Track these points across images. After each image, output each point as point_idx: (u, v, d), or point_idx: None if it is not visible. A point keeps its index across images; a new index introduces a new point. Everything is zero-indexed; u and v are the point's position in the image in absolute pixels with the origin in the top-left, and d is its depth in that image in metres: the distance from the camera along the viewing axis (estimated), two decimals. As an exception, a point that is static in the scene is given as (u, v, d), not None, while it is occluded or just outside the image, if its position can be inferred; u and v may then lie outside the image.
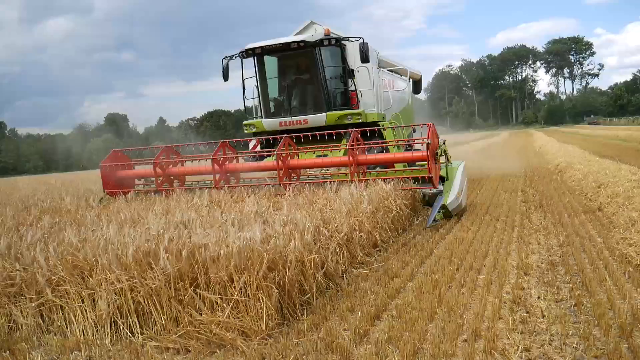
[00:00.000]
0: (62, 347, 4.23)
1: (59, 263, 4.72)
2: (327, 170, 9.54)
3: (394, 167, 9.59)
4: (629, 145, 26.82)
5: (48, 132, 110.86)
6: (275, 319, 4.16)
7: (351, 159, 8.55)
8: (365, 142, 9.31)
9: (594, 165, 13.50)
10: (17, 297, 4.90)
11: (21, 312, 4.75)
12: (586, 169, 13.12)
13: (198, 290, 4.18)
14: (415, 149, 11.20)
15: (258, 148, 11.45)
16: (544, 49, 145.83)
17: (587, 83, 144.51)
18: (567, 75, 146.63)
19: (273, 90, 11.52)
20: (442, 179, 8.99)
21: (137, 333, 4.28)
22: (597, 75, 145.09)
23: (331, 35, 10.76)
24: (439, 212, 8.42)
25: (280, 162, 8.88)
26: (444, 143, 9.32)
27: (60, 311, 4.67)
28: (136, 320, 4.34)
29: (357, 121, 10.57)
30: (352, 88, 11.07)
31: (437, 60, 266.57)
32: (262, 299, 4.08)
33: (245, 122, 11.81)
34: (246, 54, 10.88)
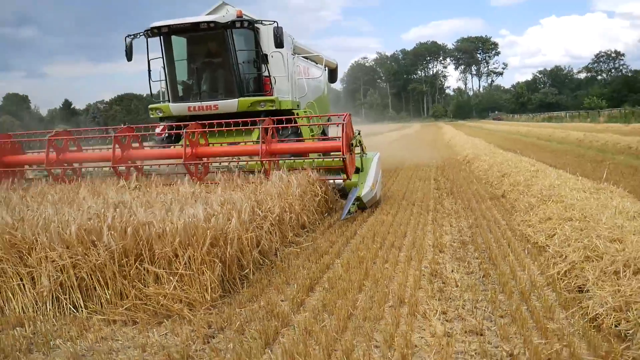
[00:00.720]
0: (4, 324, 4.28)
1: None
2: (239, 159, 9.03)
3: (308, 157, 9.12)
4: (528, 140, 28.99)
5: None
6: (218, 291, 4.44)
7: (263, 148, 8.17)
8: (281, 126, 9.11)
9: (498, 157, 14.67)
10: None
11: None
12: (491, 160, 14.23)
13: (143, 265, 4.37)
14: (330, 138, 11.32)
15: (165, 135, 10.77)
16: (453, 47, 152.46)
17: (492, 81, 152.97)
18: (474, 72, 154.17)
19: (181, 73, 10.91)
20: (357, 170, 8.88)
21: (81, 308, 4.40)
22: (501, 73, 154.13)
23: (244, 17, 10.23)
24: (353, 204, 8.26)
25: (188, 150, 8.41)
26: (358, 133, 9.20)
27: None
28: (79, 296, 4.45)
29: (271, 108, 10.20)
30: (266, 74, 10.64)
31: (352, 51, 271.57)
32: (206, 272, 4.35)
33: (151, 105, 11.15)
34: (151, 32, 10.19)
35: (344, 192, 8.87)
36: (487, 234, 6.79)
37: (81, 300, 4.46)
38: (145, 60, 10.71)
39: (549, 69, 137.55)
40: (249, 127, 8.90)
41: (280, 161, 8.64)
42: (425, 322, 3.95)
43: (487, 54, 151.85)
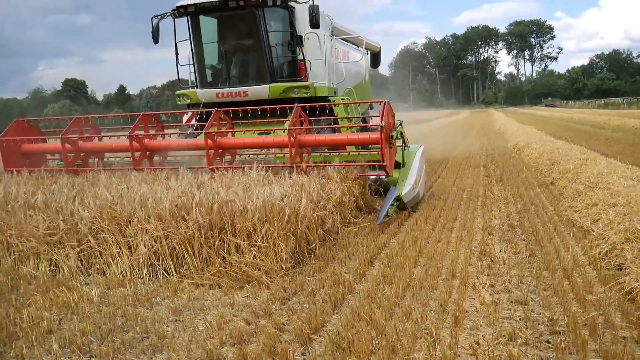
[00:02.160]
0: (108, 284, 5.04)
1: (99, 215, 5.49)
2: (268, 150, 8.49)
3: (345, 149, 8.40)
4: (581, 127, 28.52)
5: (2, 96, 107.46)
6: (290, 262, 5.06)
7: (292, 140, 7.35)
8: (314, 118, 8.41)
9: (548, 145, 14.79)
10: (56, 245, 5.65)
11: (64, 257, 5.51)
12: (542, 148, 14.37)
13: (227, 237, 5.03)
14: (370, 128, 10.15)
15: (193, 122, 10.08)
16: (506, 31, 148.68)
17: (546, 66, 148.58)
18: (527, 57, 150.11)
19: (211, 57, 10.20)
20: (398, 165, 7.97)
21: (173, 273, 5.11)
22: (555, 58, 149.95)
23: None
24: (392, 204, 7.32)
25: (209, 141, 7.73)
26: (400, 124, 8.18)
27: (99, 256, 5.45)
28: (171, 263, 5.16)
29: (305, 95, 9.46)
30: (301, 57, 9.82)
31: (401, 36, 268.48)
32: (281, 245, 4.97)
33: (178, 92, 10.64)
34: (178, 12, 9.54)
35: (387, 188, 7.99)
36: (535, 218, 7.17)
37: (172, 266, 5.16)
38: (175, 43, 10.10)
39: (606, 53, 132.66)
40: (277, 117, 8.40)
41: (312, 154, 7.99)
42: (475, 293, 4.45)
43: (542, 38, 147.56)
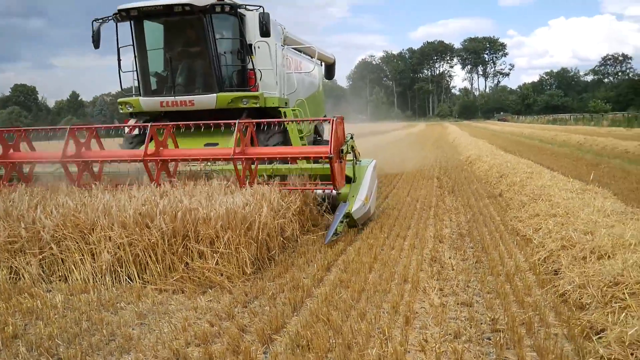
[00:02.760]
0: (71, 291, 5.12)
1: (62, 223, 5.56)
2: (214, 163, 7.81)
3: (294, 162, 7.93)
4: (530, 142, 29.69)
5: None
6: (252, 268, 5.27)
7: (238, 152, 6.92)
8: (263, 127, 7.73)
9: (498, 159, 15.47)
10: (17, 253, 5.68)
11: (25, 265, 5.56)
12: (492, 161, 15.02)
13: (189, 244, 5.21)
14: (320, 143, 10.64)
15: (135, 132, 9.77)
16: (461, 46, 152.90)
17: (499, 81, 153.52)
18: (481, 72, 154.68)
19: (155, 64, 9.70)
20: (349, 180, 7.65)
21: (136, 279, 5.25)
22: (508, 74, 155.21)
23: (225, 1, 8.94)
24: (341, 221, 7.01)
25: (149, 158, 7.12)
26: (351, 137, 7.75)
27: (62, 263, 5.52)
28: (134, 269, 5.29)
29: (255, 105, 9.14)
30: (251, 66, 9.43)
31: (359, 49, 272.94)
32: (243, 251, 5.18)
33: (120, 99, 10.08)
34: (120, 16, 9.05)
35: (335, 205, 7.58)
36: (483, 228, 7.60)
37: (135, 273, 5.29)
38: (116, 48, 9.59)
39: (555, 70, 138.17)
40: (219, 124, 7.68)
41: (260, 167, 7.57)
42: (425, 296, 4.77)
43: (495, 55, 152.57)
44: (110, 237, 5.33)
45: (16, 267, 5.59)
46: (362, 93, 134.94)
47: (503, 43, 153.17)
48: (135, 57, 9.59)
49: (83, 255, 5.46)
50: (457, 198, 10.40)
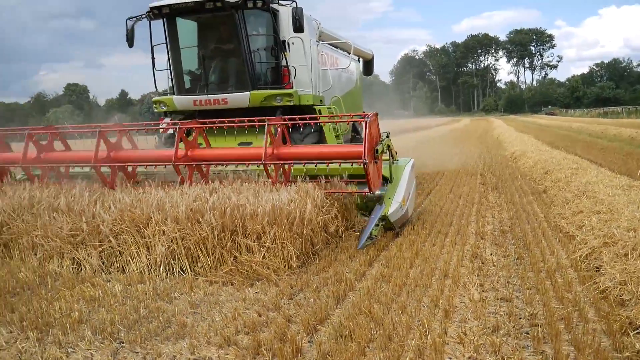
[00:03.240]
0: (129, 281, 5.47)
1: (119, 218, 5.93)
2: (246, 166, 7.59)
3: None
4: (578, 137, 28.98)
5: (3, 100, 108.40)
6: (296, 262, 5.50)
7: (269, 155, 6.79)
8: (299, 126, 7.74)
9: (544, 155, 15.26)
10: (79, 245, 6.09)
11: (86, 256, 5.95)
12: (537, 157, 14.84)
13: (238, 239, 5.48)
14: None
15: (170, 131, 9.55)
16: (506, 39, 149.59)
17: (547, 74, 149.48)
18: (527, 65, 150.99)
19: (188, 62, 9.66)
20: (385, 180, 7.44)
21: (188, 271, 5.56)
22: (556, 67, 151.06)
23: None
24: (376, 225, 6.81)
25: (180, 152, 7.14)
26: (387, 136, 7.61)
27: (119, 255, 5.89)
28: (186, 262, 5.60)
29: (289, 104, 9.01)
30: (285, 63, 9.31)
31: (402, 43, 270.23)
32: (288, 246, 5.42)
33: (154, 99, 10.11)
34: (152, 14, 9.04)
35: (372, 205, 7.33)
36: (525, 224, 7.61)
37: (187, 265, 5.60)
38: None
39: (606, 61, 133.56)
40: (260, 127, 7.51)
41: (292, 167, 7.36)
42: (465, 291, 4.89)
43: (542, 47, 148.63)
44: (164, 231, 5.65)
45: (78, 258, 5.99)
46: (404, 88, 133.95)
47: (550, 34, 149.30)
48: (168, 55, 9.54)
49: (139, 248, 5.80)
50: (501, 195, 10.38)
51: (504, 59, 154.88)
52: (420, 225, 7.59)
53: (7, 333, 4.28)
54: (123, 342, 4.03)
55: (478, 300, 4.57)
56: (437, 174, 13.87)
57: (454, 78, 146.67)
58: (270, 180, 6.88)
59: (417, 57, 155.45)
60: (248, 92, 8.96)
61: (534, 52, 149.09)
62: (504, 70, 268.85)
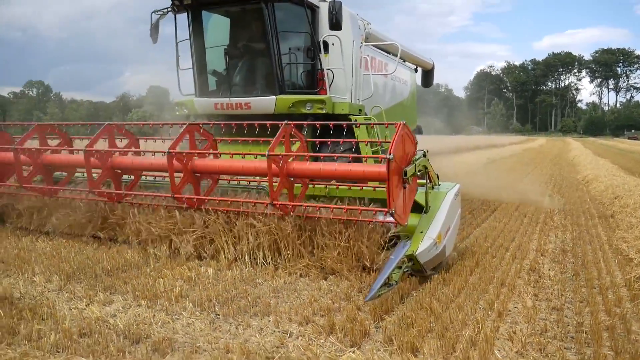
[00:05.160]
0: (219, 267, 6.28)
1: (212, 211, 6.76)
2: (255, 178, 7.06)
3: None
4: (660, 163, 27.94)
5: (90, 99, 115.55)
6: (368, 261, 6.11)
7: (274, 167, 5.98)
8: (318, 139, 6.91)
9: (616, 180, 15.12)
10: (176, 233, 6.97)
11: (183, 243, 6.82)
12: (609, 182, 14.74)
13: (315, 238, 6.17)
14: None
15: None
16: (590, 58, 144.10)
17: (632, 96, 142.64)
18: (611, 86, 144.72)
19: (213, 61, 8.87)
20: (421, 209, 6.12)
21: (270, 262, 6.31)
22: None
23: None
24: (398, 268, 5.37)
25: (176, 162, 6.49)
26: (424, 155, 6.18)
27: (211, 244, 6.72)
28: (269, 254, 6.36)
29: (320, 112, 7.94)
30: (321, 66, 8.38)
31: (478, 58, 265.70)
32: (360, 246, 6.05)
33: (177, 100, 9.35)
34: (176, 7, 8.40)
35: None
36: (587, 245, 7.88)
37: (270, 257, 6.35)
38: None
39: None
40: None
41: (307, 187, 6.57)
42: (519, 298, 5.36)
43: (629, 68, 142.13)
44: (253, 225, 6.42)
45: (175, 245, 6.87)
46: (479, 104, 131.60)
47: (639, 55, 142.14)
48: (192, 52, 8.84)
49: (228, 239, 6.61)
50: (567, 216, 10.57)
51: (587, 79, 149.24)
52: (483, 239, 8.04)
53: (123, 300, 5.15)
54: (218, 314, 4.80)
55: (530, 307, 5.03)
56: (503, 192, 14.08)
57: (532, 96, 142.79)
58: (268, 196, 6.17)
59: (493, 73, 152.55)
60: (274, 97, 8.10)
61: (619, 72, 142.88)
62: (586, 91, 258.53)
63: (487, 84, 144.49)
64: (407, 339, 4.13)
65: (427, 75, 14.38)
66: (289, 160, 6.19)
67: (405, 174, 5.54)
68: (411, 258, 5.64)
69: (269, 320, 4.64)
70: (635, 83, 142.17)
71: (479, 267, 6.44)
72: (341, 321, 4.53)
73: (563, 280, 6.00)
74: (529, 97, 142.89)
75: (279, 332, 4.39)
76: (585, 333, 4.42)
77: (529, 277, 6.09)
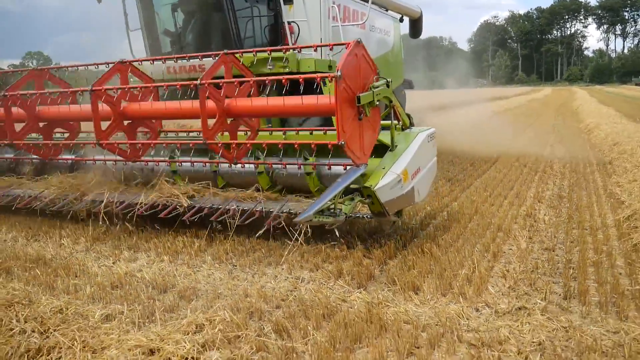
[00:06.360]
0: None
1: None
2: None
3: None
4: (664, 109, 27.96)
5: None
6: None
7: (211, 105, 5.32)
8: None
9: (617, 127, 15.38)
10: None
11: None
12: (610, 129, 15.00)
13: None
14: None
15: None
16: (597, 4, 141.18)
17: None
18: (619, 32, 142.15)
19: (163, 20, 8.01)
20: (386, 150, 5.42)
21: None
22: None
23: None
24: (350, 200, 4.96)
25: (104, 106, 5.80)
26: (387, 85, 5.21)
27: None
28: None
29: (283, 70, 6.68)
30: (290, 19, 7.54)
31: (482, 9, 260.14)
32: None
33: None
34: None
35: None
36: (582, 191, 8.23)
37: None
38: None
39: None
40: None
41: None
42: (514, 241, 5.75)
43: (637, 12, 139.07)
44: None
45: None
46: (483, 56, 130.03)
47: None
48: (139, 10, 7.99)
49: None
50: (566, 164, 10.89)
51: (593, 26, 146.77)
52: (482, 188, 8.40)
53: (147, 257, 5.58)
54: (235, 265, 5.22)
55: (524, 249, 5.43)
56: (506, 144, 14.36)
57: (537, 46, 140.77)
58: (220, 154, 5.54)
59: (497, 23, 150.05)
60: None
61: (627, 17, 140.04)
62: (593, 38, 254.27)
63: (491, 35, 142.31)
64: (409, 279, 4.54)
65: (415, 24, 12.97)
66: (230, 97, 5.39)
67: (359, 100, 4.72)
68: (370, 195, 4.93)
69: (282, 269, 5.06)
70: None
71: (478, 214, 6.82)
72: (348, 267, 4.94)
73: (557, 224, 6.38)
74: (534, 47, 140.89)
75: (292, 278, 4.81)
76: (573, 269, 4.81)
77: (524, 222, 6.47)
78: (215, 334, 3.45)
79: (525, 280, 4.57)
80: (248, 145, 5.70)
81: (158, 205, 5.95)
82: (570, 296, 4.21)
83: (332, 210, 4.76)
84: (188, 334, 3.45)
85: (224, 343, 3.43)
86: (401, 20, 12.31)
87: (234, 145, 5.56)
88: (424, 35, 13.68)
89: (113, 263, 5.40)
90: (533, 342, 3.43)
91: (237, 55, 5.80)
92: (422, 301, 4.19)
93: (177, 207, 5.86)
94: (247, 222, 5.47)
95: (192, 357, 3.16)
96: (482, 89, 66.68)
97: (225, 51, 5.65)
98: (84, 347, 3.33)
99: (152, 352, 3.24)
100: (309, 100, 5.11)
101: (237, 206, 5.65)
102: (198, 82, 5.17)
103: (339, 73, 4.43)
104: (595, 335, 3.49)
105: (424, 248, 5.38)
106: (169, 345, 3.26)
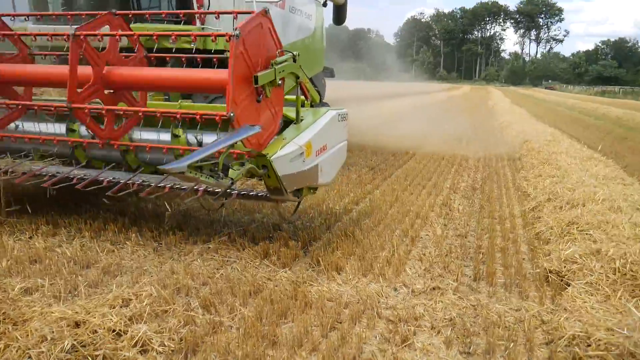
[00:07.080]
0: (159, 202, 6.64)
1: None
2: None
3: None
4: (569, 113, 30.05)
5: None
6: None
7: (92, 68, 4.62)
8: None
9: (528, 126, 16.43)
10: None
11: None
12: (521, 128, 16.00)
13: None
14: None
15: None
16: (515, 8, 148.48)
17: (551, 48, 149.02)
18: (533, 37, 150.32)
19: None
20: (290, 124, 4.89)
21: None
22: (561, 41, 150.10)
23: None
24: (240, 166, 4.26)
25: None
26: (294, 60, 4.63)
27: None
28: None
29: (186, 46, 5.73)
30: None
31: (408, 4, 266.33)
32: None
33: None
34: None
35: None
36: (494, 184, 8.80)
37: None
38: None
39: (613, 39, 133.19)
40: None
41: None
42: (430, 228, 6.10)
43: (550, 20, 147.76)
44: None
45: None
46: (408, 51, 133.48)
47: (560, 8, 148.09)
48: None
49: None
50: (480, 159, 11.54)
51: (511, 29, 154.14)
52: (403, 177, 8.79)
53: (67, 233, 5.44)
54: (161, 244, 5.21)
55: (440, 235, 5.78)
56: (425, 138, 14.98)
57: (459, 45, 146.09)
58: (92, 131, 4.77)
59: (423, 20, 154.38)
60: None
61: (541, 24, 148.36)
62: (510, 41, 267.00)
63: (416, 31, 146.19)
64: (332, 260, 4.73)
65: (339, 10, 11.93)
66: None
67: (256, 80, 4.05)
68: (265, 165, 4.35)
69: (209, 247, 5.11)
70: (555, 35, 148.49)
71: (398, 202, 7.15)
72: (274, 248, 5.07)
73: (470, 213, 6.82)
74: (456, 46, 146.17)
75: (219, 257, 4.88)
76: (482, 254, 5.20)
77: (440, 210, 6.87)
78: (142, 307, 3.48)
79: (440, 263, 4.89)
80: (127, 122, 4.94)
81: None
82: (479, 278, 4.57)
83: (215, 170, 4.01)
84: (115, 307, 3.45)
85: (152, 317, 3.47)
86: (324, 4, 11.27)
87: (107, 115, 4.51)
88: (352, 25, 13.69)
89: (30, 237, 5.23)
90: (445, 319, 3.72)
91: (128, 20, 4.83)
92: (344, 281, 4.40)
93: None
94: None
95: (120, 330, 3.18)
96: (405, 83, 68.55)
97: (114, 11, 4.89)
98: (4, 319, 3.26)
99: (77, 324, 3.22)
100: (207, 73, 4.45)
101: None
102: (71, 32, 4.25)
103: (237, 32, 3.80)
104: (500, 312, 3.84)
105: (347, 231, 5.61)
106: (95, 318, 3.25)
